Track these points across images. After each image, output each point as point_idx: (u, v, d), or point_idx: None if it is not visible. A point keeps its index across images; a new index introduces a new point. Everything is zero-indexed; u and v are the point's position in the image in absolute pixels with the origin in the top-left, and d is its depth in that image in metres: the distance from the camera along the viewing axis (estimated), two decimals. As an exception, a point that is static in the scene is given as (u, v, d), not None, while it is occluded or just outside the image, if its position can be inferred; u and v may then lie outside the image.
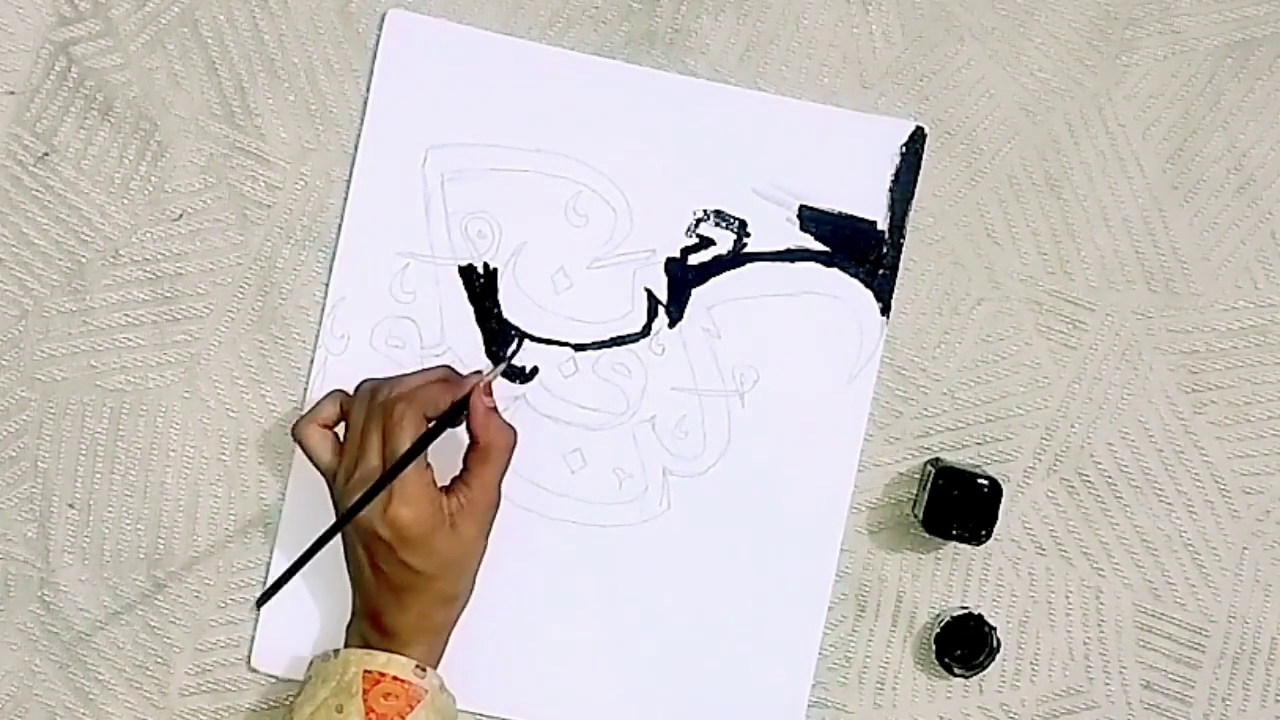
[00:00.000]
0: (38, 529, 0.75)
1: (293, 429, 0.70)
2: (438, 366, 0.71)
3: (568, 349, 0.75)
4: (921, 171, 0.75)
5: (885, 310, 0.75)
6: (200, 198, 0.75)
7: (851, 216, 0.75)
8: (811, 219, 0.75)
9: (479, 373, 0.70)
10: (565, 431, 0.75)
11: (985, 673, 0.74)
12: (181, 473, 0.75)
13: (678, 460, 0.75)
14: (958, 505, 0.71)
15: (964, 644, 0.73)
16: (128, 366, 0.75)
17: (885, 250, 0.75)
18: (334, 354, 0.74)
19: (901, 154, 0.75)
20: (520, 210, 0.75)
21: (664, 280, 0.75)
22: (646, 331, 0.75)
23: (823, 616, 0.74)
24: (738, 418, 0.75)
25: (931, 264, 0.75)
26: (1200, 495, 0.75)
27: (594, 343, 0.75)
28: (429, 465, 0.67)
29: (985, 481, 0.72)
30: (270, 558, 0.74)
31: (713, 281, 0.75)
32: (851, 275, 0.75)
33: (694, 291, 0.75)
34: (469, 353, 0.74)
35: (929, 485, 0.72)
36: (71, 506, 0.75)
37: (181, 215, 0.75)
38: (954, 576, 0.75)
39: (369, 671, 0.66)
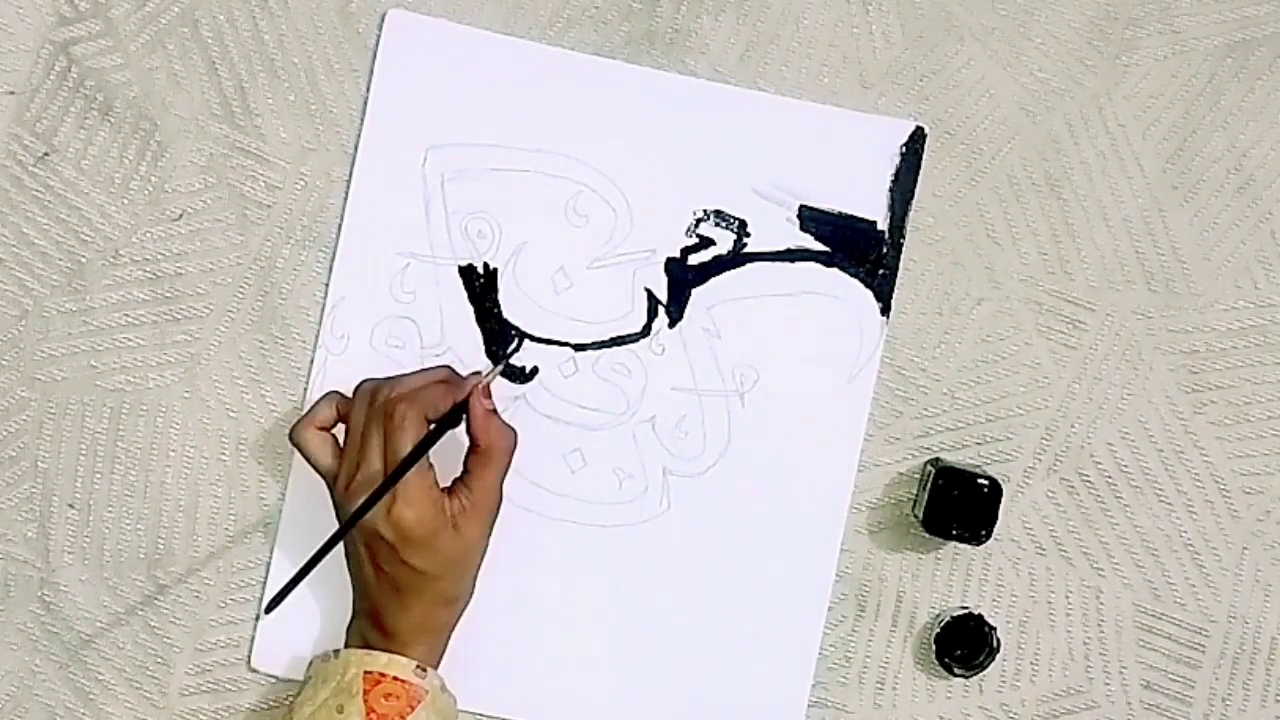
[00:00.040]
0: (38, 529, 0.75)
1: (290, 433, 0.69)
2: (438, 367, 0.71)
3: (568, 349, 0.75)
4: (921, 171, 0.75)
5: (885, 310, 0.75)
6: (200, 198, 0.75)
7: (851, 216, 0.75)
8: (811, 219, 0.75)
9: (479, 374, 0.70)
10: (565, 431, 0.75)
11: (985, 673, 0.74)
12: (181, 473, 0.75)
13: (678, 460, 0.75)
14: (958, 505, 0.71)
15: (964, 644, 0.73)
16: (128, 366, 0.75)
17: (885, 250, 0.75)
18: (334, 354, 0.74)
19: (901, 154, 0.75)
20: (520, 210, 0.75)
21: (664, 280, 0.75)
22: (646, 331, 0.75)
23: (823, 616, 0.74)
24: (738, 418, 0.75)
25: (931, 264, 0.75)
26: (1200, 495, 0.75)
27: (594, 343, 0.75)
28: (431, 466, 0.67)
29: (985, 481, 0.72)
30: (270, 558, 0.74)
31: (713, 281, 0.75)
32: (851, 275, 0.75)
33: (694, 291, 0.75)
34: (469, 353, 0.74)
35: (929, 485, 0.72)
36: (71, 506, 0.75)
37: (181, 215, 0.75)
38: (954, 576, 0.75)
39: (369, 672, 0.66)
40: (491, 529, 0.69)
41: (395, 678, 0.66)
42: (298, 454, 0.71)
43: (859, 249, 0.75)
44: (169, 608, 0.75)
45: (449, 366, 0.71)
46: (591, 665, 0.74)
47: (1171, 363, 0.75)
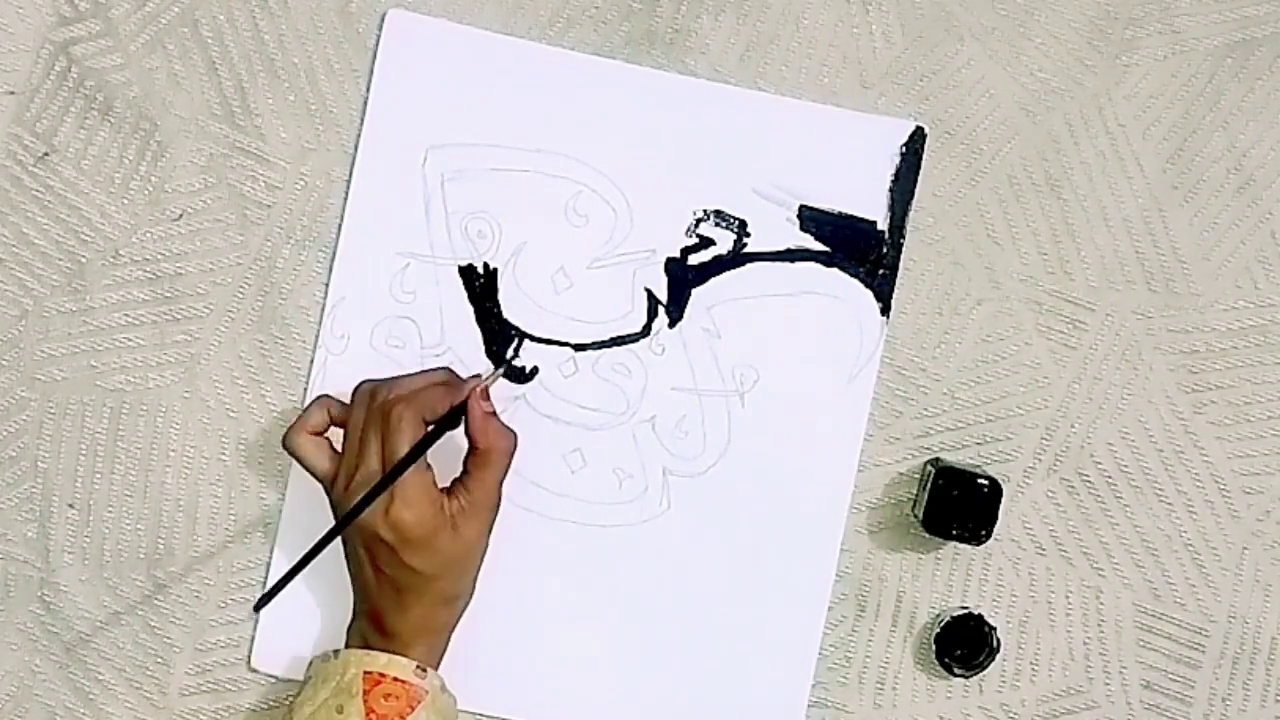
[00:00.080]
0: (38, 529, 0.75)
1: (283, 439, 0.69)
2: (437, 369, 0.71)
3: (568, 349, 0.75)
4: (921, 171, 0.75)
5: (885, 310, 0.75)
6: (200, 198, 0.75)
7: (851, 216, 0.75)
8: (811, 219, 0.75)
9: (478, 376, 0.70)
10: (565, 431, 0.75)
11: (985, 673, 0.74)
12: (181, 473, 0.75)
13: (678, 460, 0.75)
14: (958, 505, 0.71)
15: (964, 644, 0.73)
16: (128, 366, 0.75)
17: (885, 250, 0.75)
18: (334, 354, 0.74)
19: (901, 154, 0.75)
20: (520, 210, 0.75)
21: (664, 280, 0.75)
22: (646, 331, 0.75)
23: (823, 616, 0.74)
24: (738, 418, 0.75)
25: (931, 264, 0.75)
26: (1200, 495, 0.75)
27: (594, 343, 0.75)
28: (429, 467, 0.66)
29: (985, 481, 0.72)
30: (270, 558, 0.74)
31: (713, 281, 0.75)
32: (851, 275, 0.75)
33: (694, 291, 0.75)
34: (469, 353, 0.74)
35: (929, 485, 0.72)
36: (71, 506, 0.75)
37: (181, 215, 0.75)
38: (954, 576, 0.75)
39: (369, 672, 0.66)
40: (491, 529, 0.69)
41: (395, 678, 0.66)
42: (297, 454, 0.71)
43: (859, 249, 0.75)
44: (169, 608, 0.75)
45: (448, 368, 0.71)
46: (591, 665, 0.74)
47: (1171, 363, 0.75)
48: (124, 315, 0.75)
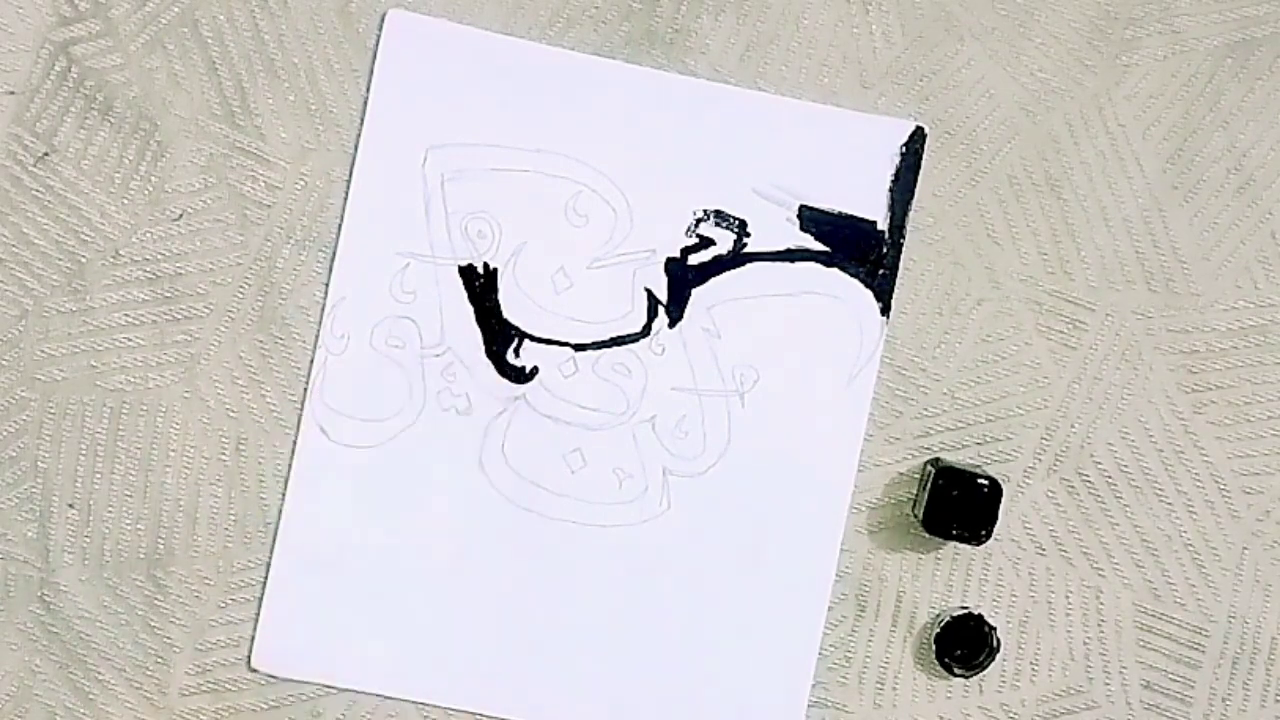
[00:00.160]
0: (38, 529, 0.75)
1: None
2: None
3: (568, 349, 0.75)
4: (921, 171, 0.75)
5: (885, 310, 0.75)
6: (200, 198, 0.75)
7: (851, 216, 0.75)
8: (811, 219, 0.75)
9: None
10: (565, 431, 0.75)
11: (985, 673, 0.74)
12: (181, 473, 0.75)
13: (678, 460, 0.75)
14: (958, 505, 0.72)
15: (964, 644, 0.73)
16: (128, 366, 0.75)
17: (885, 250, 0.75)
18: (334, 354, 0.74)
19: (901, 154, 0.75)
20: (520, 210, 0.75)
21: (664, 280, 0.75)
22: (646, 331, 0.75)
23: (823, 616, 0.74)
24: (738, 418, 0.75)
25: (931, 264, 0.75)
26: (1200, 495, 0.75)
27: (594, 343, 0.75)
28: None
29: (985, 481, 0.72)
30: (270, 558, 0.74)
31: (713, 281, 0.75)
32: (851, 275, 0.75)
33: (694, 291, 0.75)
34: (469, 353, 0.74)
35: (929, 485, 0.72)
36: (71, 506, 0.75)
37: (181, 215, 0.75)
38: (954, 576, 0.75)
39: None
40: None
41: None
42: (298, 454, 0.71)
43: (859, 249, 0.75)
44: (169, 608, 0.75)
45: None
46: (591, 665, 0.74)
47: (1171, 363, 0.75)
48: (124, 315, 0.75)
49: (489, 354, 0.75)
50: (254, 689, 0.75)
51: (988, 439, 0.75)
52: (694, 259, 0.75)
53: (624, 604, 0.74)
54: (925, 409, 0.75)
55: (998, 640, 0.73)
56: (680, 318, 0.75)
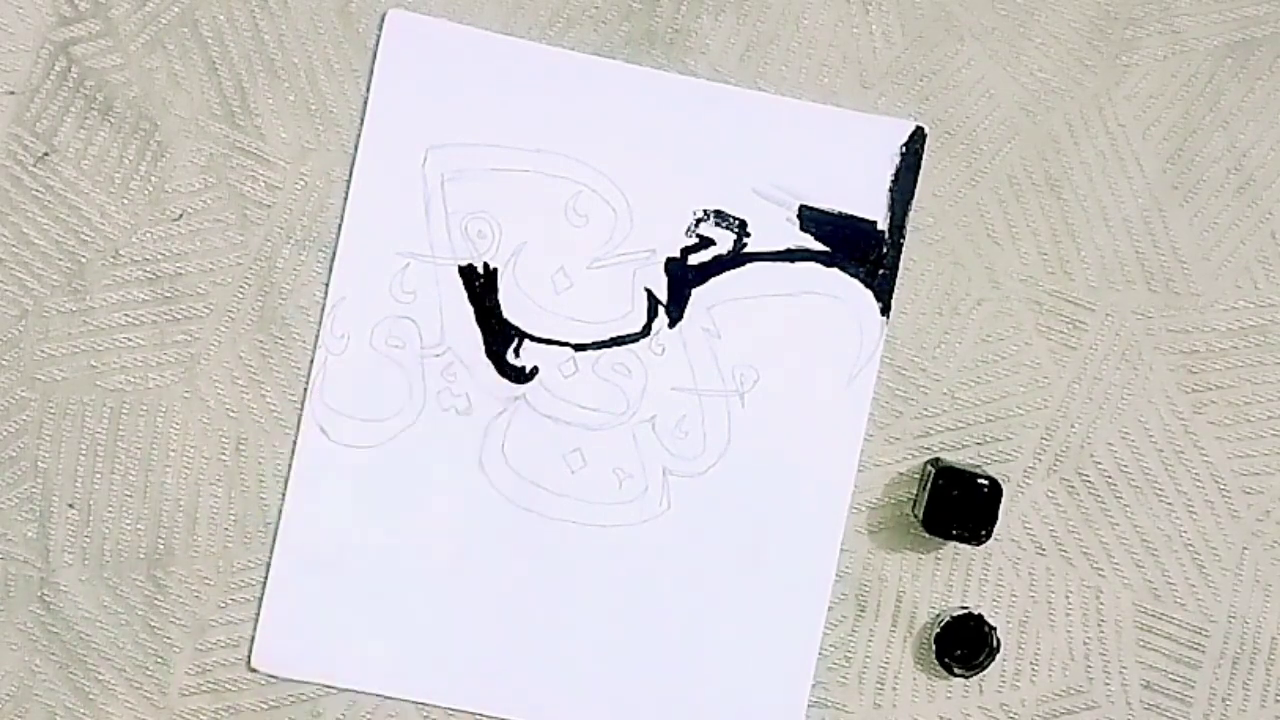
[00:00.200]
0: (38, 529, 0.75)
1: None
2: None
3: (568, 349, 0.75)
4: (921, 171, 0.75)
5: (885, 310, 0.75)
6: (200, 198, 0.75)
7: (851, 216, 0.75)
8: (811, 219, 0.75)
9: None
10: (565, 431, 0.75)
11: (985, 673, 0.74)
12: (181, 473, 0.75)
13: (678, 460, 0.75)
14: (958, 505, 0.72)
15: (964, 644, 0.73)
16: (128, 366, 0.75)
17: (885, 250, 0.75)
18: (334, 354, 0.74)
19: (901, 154, 0.75)
20: (520, 210, 0.75)
21: (664, 280, 0.75)
22: (646, 331, 0.75)
23: (823, 616, 0.74)
24: (738, 418, 0.75)
25: (931, 264, 0.75)
26: (1200, 495, 0.75)
27: (594, 343, 0.75)
28: None
29: (985, 481, 0.72)
30: (270, 558, 0.74)
31: (713, 281, 0.75)
32: (851, 275, 0.75)
33: (694, 291, 0.75)
34: (469, 352, 0.74)
35: (929, 485, 0.72)
36: (71, 506, 0.75)
37: (181, 215, 0.75)
38: (954, 576, 0.75)
39: None
40: None
41: None
42: (298, 453, 0.71)
43: (859, 249, 0.75)
44: (169, 608, 0.75)
45: None
46: (591, 665, 0.74)
47: (1171, 363, 0.75)
48: (124, 315, 0.75)
49: (489, 354, 0.75)
50: (254, 689, 0.75)
51: (988, 439, 0.75)
52: (694, 259, 0.75)
53: (624, 604, 0.74)
54: (925, 409, 0.75)
55: (998, 640, 0.73)
56: (680, 318, 0.75)
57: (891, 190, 0.75)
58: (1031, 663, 0.75)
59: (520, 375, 0.75)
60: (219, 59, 0.75)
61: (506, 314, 0.75)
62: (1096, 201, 0.76)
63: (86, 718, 0.75)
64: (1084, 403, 0.75)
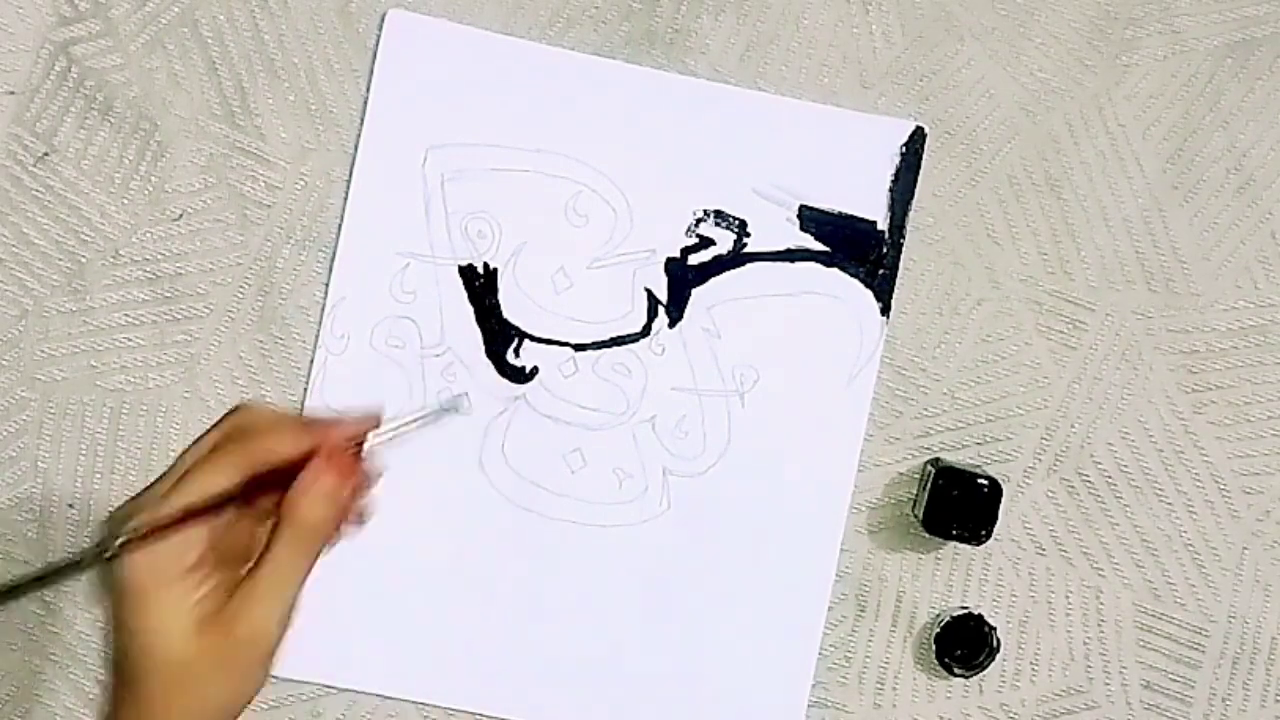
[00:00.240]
0: (38, 529, 0.75)
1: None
2: (351, 418, 0.53)
3: (568, 349, 0.75)
4: (921, 171, 0.75)
5: (885, 310, 0.75)
6: (200, 198, 0.75)
7: (851, 216, 0.75)
8: (811, 219, 0.75)
9: (374, 421, 0.52)
10: (565, 431, 0.75)
11: (985, 673, 0.74)
12: (181, 473, 0.75)
13: (678, 460, 0.75)
14: (958, 505, 0.71)
15: (964, 644, 0.73)
16: (128, 366, 0.75)
17: (885, 250, 0.75)
18: (334, 354, 0.74)
19: (901, 154, 0.75)
20: (520, 210, 0.75)
21: (664, 280, 0.75)
22: (646, 331, 0.75)
23: (823, 616, 0.74)
24: (738, 418, 0.75)
25: (931, 264, 0.75)
26: (1200, 495, 0.75)
27: (594, 343, 0.75)
28: (210, 572, 0.49)
29: (985, 481, 0.72)
30: (270, 558, 0.74)
31: (713, 281, 0.75)
32: (851, 275, 0.75)
33: (694, 291, 0.75)
34: (469, 352, 0.74)
35: (929, 485, 0.72)
36: (71, 506, 0.75)
37: (181, 215, 0.75)
38: (954, 576, 0.75)
39: None
40: (286, 622, 0.51)
41: None
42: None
43: (859, 249, 0.75)
44: (169, 608, 0.75)
45: (377, 416, 0.53)
46: (591, 665, 0.74)
47: (1171, 363, 0.75)
48: (124, 315, 0.75)
49: (489, 354, 0.75)
50: (254, 689, 0.75)
51: (988, 439, 0.75)
52: (694, 259, 0.75)
53: (623, 604, 0.74)
54: (925, 409, 0.75)
55: (998, 640, 0.73)
56: (680, 318, 0.75)
57: (891, 190, 0.75)
58: (1031, 663, 0.75)
59: (520, 375, 0.75)
60: (219, 59, 0.75)
61: (506, 314, 0.75)
62: (1096, 201, 0.76)
63: (86, 718, 0.75)
64: (1084, 403, 0.75)
